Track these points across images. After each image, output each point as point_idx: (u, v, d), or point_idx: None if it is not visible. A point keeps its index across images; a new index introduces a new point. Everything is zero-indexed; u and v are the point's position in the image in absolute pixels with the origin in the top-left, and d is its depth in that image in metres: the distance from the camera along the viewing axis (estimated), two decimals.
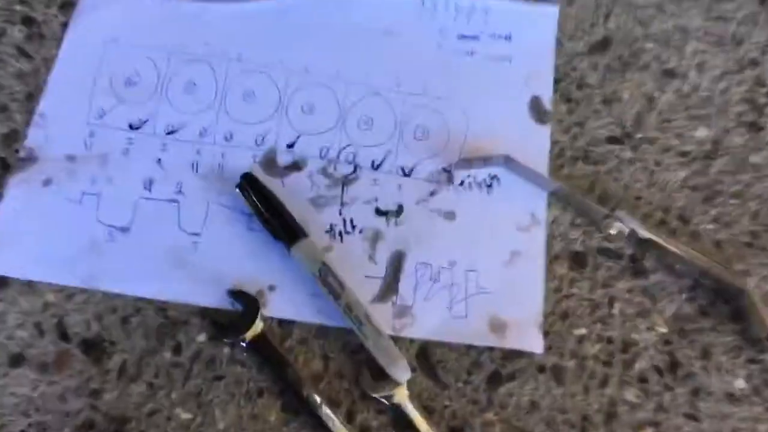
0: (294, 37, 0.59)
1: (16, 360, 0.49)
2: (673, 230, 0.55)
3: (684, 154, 0.57)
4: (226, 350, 0.50)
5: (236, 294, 0.51)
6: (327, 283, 0.49)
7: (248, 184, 0.53)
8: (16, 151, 0.54)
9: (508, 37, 0.60)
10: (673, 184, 0.56)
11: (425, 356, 0.50)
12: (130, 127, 0.56)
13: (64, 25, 0.59)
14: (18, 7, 0.60)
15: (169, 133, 0.55)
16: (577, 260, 0.53)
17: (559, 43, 0.61)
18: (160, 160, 0.55)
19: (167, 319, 0.50)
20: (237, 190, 0.52)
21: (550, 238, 0.54)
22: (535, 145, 0.57)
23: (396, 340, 0.50)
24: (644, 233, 0.53)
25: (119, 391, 0.49)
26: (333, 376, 0.50)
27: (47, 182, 0.53)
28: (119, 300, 0.51)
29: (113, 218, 0.53)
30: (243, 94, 0.57)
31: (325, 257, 0.51)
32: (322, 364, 0.50)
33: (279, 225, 0.52)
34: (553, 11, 0.61)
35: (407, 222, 0.54)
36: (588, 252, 0.54)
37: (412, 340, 0.51)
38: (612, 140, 0.57)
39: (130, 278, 0.51)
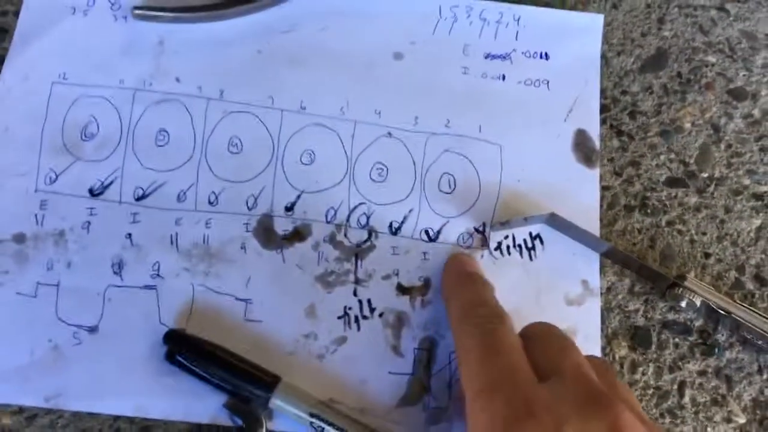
0: (284, 67, 0.48)
1: None
2: (750, 294, 0.46)
3: (758, 196, 0.48)
4: None
5: (234, 407, 0.41)
6: None
7: (180, 345, 0.42)
8: None
9: (544, 56, 0.50)
10: (746, 235, 0.47)
11: None
12: (91, 193, 0.45)
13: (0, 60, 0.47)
14: None
15: (139, 199, 0.45)
16: (639, 338, 0.45)
17: (604, 59, 0.50)
18: (130, 235, 0.44)
19: None
20: (167, 360, 0.42)
21: (606, 311, 0.45)
22: (582, 193, 0.47)
23: None
24: (718, 303, 0.44)
25: None
26: None
27: None
28: (93, 420, 0.41)
29: (78, 315, 0.43)
30: (228, 142, 0.46)
31: (316, 400, 0.41)
32: None
33: (243, 380, 0.41)
34: (597, 20, 0.51)
35: (436, 300, 0.45)
36: (651, 327, 0.45)
37: None
38: (673, 182, 0.48)
39: (104, 392, 0.42)
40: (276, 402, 0.40)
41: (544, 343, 0.36)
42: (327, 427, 0.40)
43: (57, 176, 0.45)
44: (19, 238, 0.44)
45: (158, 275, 0.44)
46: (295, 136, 0.47)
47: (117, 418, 0.41)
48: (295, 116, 0.47)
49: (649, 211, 0.47)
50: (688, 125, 0.49)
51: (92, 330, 0.42)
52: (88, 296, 0.43)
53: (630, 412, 0.32)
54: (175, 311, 0.43)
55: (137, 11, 0.47)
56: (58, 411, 0.41)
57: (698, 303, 0.44)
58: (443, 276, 0.44)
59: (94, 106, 0.47)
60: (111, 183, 0.45)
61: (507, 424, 0.31)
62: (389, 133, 0.47)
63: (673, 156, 0.48)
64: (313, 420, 0.40)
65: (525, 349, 0.36)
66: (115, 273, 0.44)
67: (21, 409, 0.41)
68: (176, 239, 0.44)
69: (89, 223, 0.44)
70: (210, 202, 0.45)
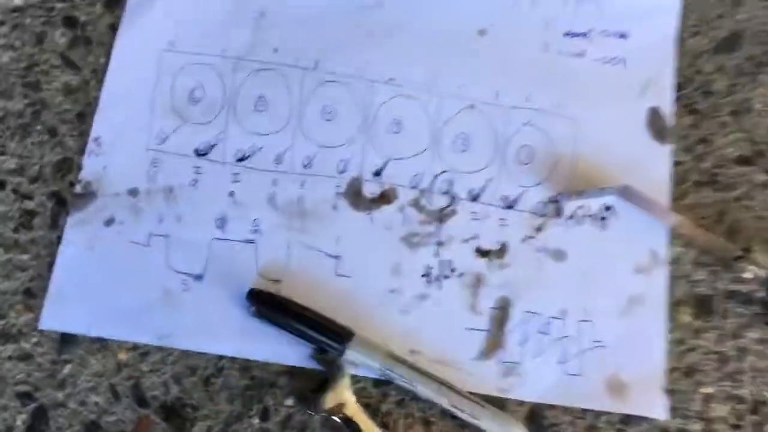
0: (375, 40, 0.51)
1: (91, 429, 0.45)
2: None
3: None
4: (318, 416, 0.45)
5: (319, 358, 0.45)
6: (398, 385, 0.45)
7: (262, 301, 0.46)
8: (71, 184, 0.48)
9: (623, 35, 0.52)
10: None
11: (536, 420, 0.46)
12: (197, 153, 0.49)
13: (112, 27, 0.51)
14: (58, 5, 0.52)
15: (240, 160, 0.49)
16: (703, 306, 0.48)
17: (679, 40, 0.52)
18: (232, 192, 0.48)
19: (252, 380, 0.46)
20: (253, 316, 0.46)
21: (672, 280, 0.48)
22: (654, 167, 0.50)
23: (503, 402, 0.45)
24: None
25: None
26: None
27: (109, 222, 0.48)
28: (199, 359, 0.46)
29: (185, 264, 0.47)
30: (321, 110, 0.50)
31: (386, 349, 0.45)
32: (424, 431, 0.46)
33: (319, 334, 0.45)
34: (674, 2, 0.53)
35: (512, 263, 0.48)
36: (715, 296, 0.48)
37: (521, 402, 0.46)
38: (742, 160, 0.50)
39: (208, 334, 0.46)
40: (350, 354, 0.44)
41: None
42: (396, 377, 0.44)
43: (167, 137, 0.49)
44: (133, 193, 0.48)
45: (257, 231, 0.48)
46: (383, 106, 0.50)
47: (221, 357, 0.46)
48: (384, 87, 0.50)
49: (718, 187, 0.50)
50: (758, 106, 0.51)
51: (198, 278, 0.47)
52: (195, 247, 0.47)
53: None
54: (272, 264, 0.47)
55: None
56: (168, 349, 0.46)
57: (763, 275, 0.46)
58: None
59: (200, 72, 0.50)
60: (215, 144, 0.49)
61: None
62: (472, 106, 0.50)
63: (743, 135, 0.50)
64: (384, 371, 0.44)
65: None
66: (218, 227, 0.48)
67: (135, 347, 0.46)
68: (274, 198, 0.48)
69: (196, 180, 0.48)
70: (304, 165, 0.49)
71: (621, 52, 0.52)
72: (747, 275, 0.47)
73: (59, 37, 0.51)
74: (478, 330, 0.47)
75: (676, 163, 0.50)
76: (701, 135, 0.50)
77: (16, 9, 0.52)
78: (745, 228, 0.49)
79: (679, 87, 0.51)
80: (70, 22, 0.52)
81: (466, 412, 0.44)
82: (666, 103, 0.51)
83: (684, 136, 0.50)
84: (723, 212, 0.49)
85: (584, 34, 0.52)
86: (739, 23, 0.53)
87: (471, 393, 0.45)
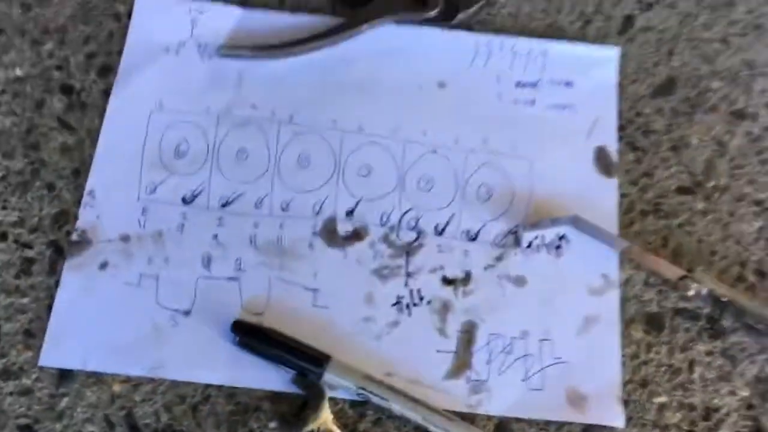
0: (345, 95, 0.57)
1: None
2: (752, 286, 0.53)
3: (758, 202, 0.55)
4: None
5: (299, 382, 0.49)
6: (374, 404, 0.48)
7: (246, 332, 0.50)
8: (68, 233, 0.52)
9: (568, 84, 0.58)
10: (748, 236, 0.54)
11: None
12: (184, 201, 0.54)
13: (105, 93, 0.57)
14: (56, 74, 0.57)
15: (223, 206, 0.53)
16: (654, 323, 0.52)
17: (620, 86, 0.58)
18: (216, 235, 0.53)
19: (238, 406, 0.49)
20: (237, 346, 0.50)
21: (624, 300, 0.52)
22: (602, 199, 0.55)
23: (473, 417, 0.49)
24: (723, 293, 0.51)
25: None
26: None
27: (103, 266, 0.52)
28: (187, 388, 0.49)
29: (174, 301, 0.51)
30: (297, 159, 0.55)
31: (361, 371, 0.49)
32: None
33: (299, 360, 0.49)
34: (614, 53, 0.59)
35: (476, 290, 0.52)
36: (664, 313, 0.52)
37: (489, 417, 0.49)
38: (683, 191, 0.55)
39: (196, 365, 0.49)
40: (328, 377, 0.48)
41: None
42: (372, 396, 0.47)
43: (156, 187, 0.54)
44: (125, 239, 0.52)
45: (240, 269, 0.52)
46: (354, 153, 0.55)
47: (208, 386, 0.49)
48: (354, 136, 0.56)
49: (661, 215, 0.54)
50: (695, 141, 0.56)
51: (186, 313, 0.51)
52: (182, 285, 0.51)
53: None
54: (254, 299, 0.51)
55: (224, 50, 0.56)
56: (158, 380, 0.49)
57: (704, 292, 0.51)
58: None
59: (185, 129, 0.56)
60: (200, 193, 0.54)
61: None
62: (434, 150, 0.55)
63: (682, 168, 0.56)
64: (360, 391, 0.47)
65: None
66: (204, 267, 0.52)
67: (128, 378, 0.49)
68: (255, 239, 0.53)
69: (183, 225, 0.53)
70: (282, 209, 0.53)
71: (568, 99, 0.57)
72: (691, 293, 0.51)
73: (57, 103, 0.56)
74: (446, 352, 0.50)
75: (623, 195, 0.55)
76: (644, 169, 0.56)
77: (17, 79, 0.57)
78: (687, 251, 0.53)
79: (622, 127, 0.57)
80: (66, 89, 0.57)
81: (439, 427, 0.47)
82: (611, 142, 0.56)
83: (629, 171, 0.55)
84: (667, 237, 0.54)
85: (534, 84, 0.57)
86: (673, 69, 0.59)
87: (443, 410, 0.48)
